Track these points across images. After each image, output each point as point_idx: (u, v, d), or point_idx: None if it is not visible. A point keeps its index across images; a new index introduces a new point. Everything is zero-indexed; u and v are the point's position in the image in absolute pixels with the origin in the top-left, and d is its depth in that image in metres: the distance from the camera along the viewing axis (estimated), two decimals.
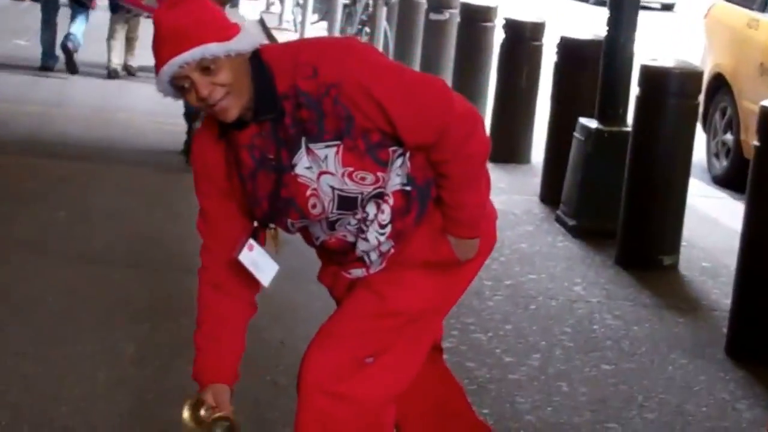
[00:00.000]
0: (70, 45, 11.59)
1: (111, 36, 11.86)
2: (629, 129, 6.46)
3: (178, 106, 9.56)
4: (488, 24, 9.70)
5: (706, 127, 8.88)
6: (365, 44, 2.92)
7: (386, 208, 2.88)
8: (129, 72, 11.99)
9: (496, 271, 5.95)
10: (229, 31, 2.70)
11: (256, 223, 2.94)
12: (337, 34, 10.98)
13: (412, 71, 2.89)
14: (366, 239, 2.90)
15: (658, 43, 15.50)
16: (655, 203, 6.16)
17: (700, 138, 8.57)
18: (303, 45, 2.86)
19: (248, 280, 2.95)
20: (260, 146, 2.82)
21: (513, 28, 8.56)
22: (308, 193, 2.82)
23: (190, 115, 7.93)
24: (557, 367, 4.78)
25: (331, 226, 2.89)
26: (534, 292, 5.73)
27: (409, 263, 2.97)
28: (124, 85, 11.65)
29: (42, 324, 4.78)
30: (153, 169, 7.91)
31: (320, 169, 2.79)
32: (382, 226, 2.89)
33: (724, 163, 8.72)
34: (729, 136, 8.62)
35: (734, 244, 5.22)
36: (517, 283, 5.84)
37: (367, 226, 2.88)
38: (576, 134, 6.86)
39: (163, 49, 2.68)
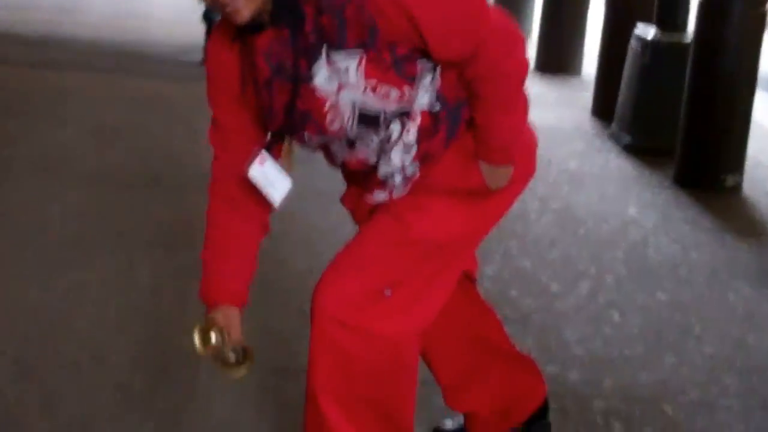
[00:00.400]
0: None
1: None
2: (690, 39, 6.50)
3: (195, 12, 9.62)
4: None
5: None
6: None
7: (412, 128, 2.85)
8: None
9: (543, 192, 6.00)
10: None
11: (270, 136, 2.91)
12: None
13: None
14: (389, 160, 2.89)
15: None
16: (717, 119, 6.23)
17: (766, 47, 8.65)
18: None
19: (261, 197, 2.96)
20: (277, 53, 2.79)
21: None
22: (326, 107, 2.80)
23: (210, 18, 7.91)
24: (608, 296, 4.81)
25: (351, 143, 2.87)
26: (584, 214, 5.77)
27: (436, 189, 2.97)
28: None
29: (49, 249, 4.81)
30: (169, 81, 7.98)
31: (340, 81, 2.77)
32: (408, 147, 2.87)
33: None
34: None
35: None
36: (565, 205, 5.88)
37: (391, 146, 2.86)
38: (631, 43, 6.91)
39: None
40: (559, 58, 8.52)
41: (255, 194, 2.94)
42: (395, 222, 2.98)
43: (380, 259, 2.97)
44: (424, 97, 2.81)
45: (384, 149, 2.86)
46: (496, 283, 4.80)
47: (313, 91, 2.78)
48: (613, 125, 7.10)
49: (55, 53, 8.54)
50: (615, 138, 7.02)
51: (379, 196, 2.99)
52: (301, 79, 2.78)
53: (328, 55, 2.73)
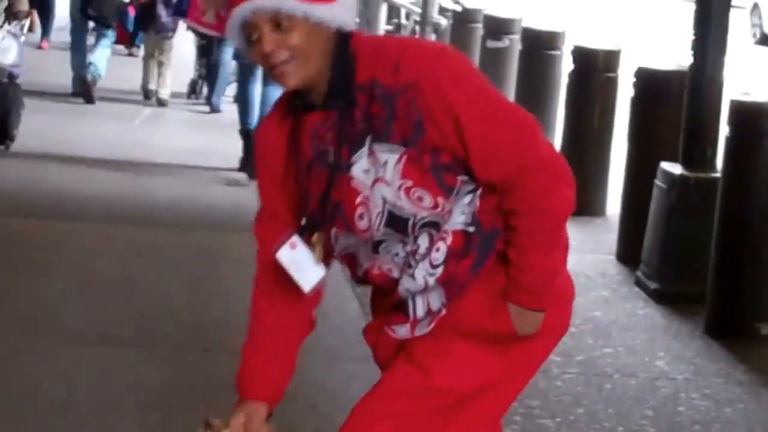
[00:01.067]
0: (89, 77, 12.19)
1: (147, 56, 12.82)
2: (719, 175, 6.49)
3: (196, 152, 9.70)
4: (554, 52, 9.81)
5: None
6: (460, 53, 2.99)
7: (442, 246, 2.93)
8: (159, 102, 12.70)
9: (566, 345, 5.70)
10: None
11: (305, 223, 3.03)
12: None
13: (503, 97, 2.97)
14: (413, 276, 2.96)
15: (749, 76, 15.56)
16: (749, 262, 6.22)
17: None
18: (395, 40, 3.02)
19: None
20: (322, 136, 2.93)
21: (583, 57, 8.68)
22: (358, 200, 2.91)
23: (247, 132, 8.16)
24: None
25: (375, 248, 2.96)
26: (610, 369, 5.74)
27: (460, 330, 3.01)
28: (137, 128, 11.86)
29: (37, 416, 4.82)
30: (168, 229, 8.02)
31: (377, 175, 2.88)
32: (434, 266, 2.94)
33: None
34: None
35: None
36: (590, 359, 5.86)
37: (417, 262, 2.94)
38: (657, 182, 6.91)
39: None
40: (581, 197, 8.21)
41: (298, 288, 3.03)
42: (415, 369, 3.02)
43: (397, 412, 3.01)
44: (459, 217, 2.91)
45: (409, 263, 2.94)
46: None
47: (348, 180, 2.90)
48: (640, 270, 7.05)
49: (41, 200, 8.59)
50: (642, 284, 6.98)
51: (401, 330, 3.04)
52: (340, 167, 2.90)
53: (371, 145, 2.87)
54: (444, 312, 2.99)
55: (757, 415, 5.31)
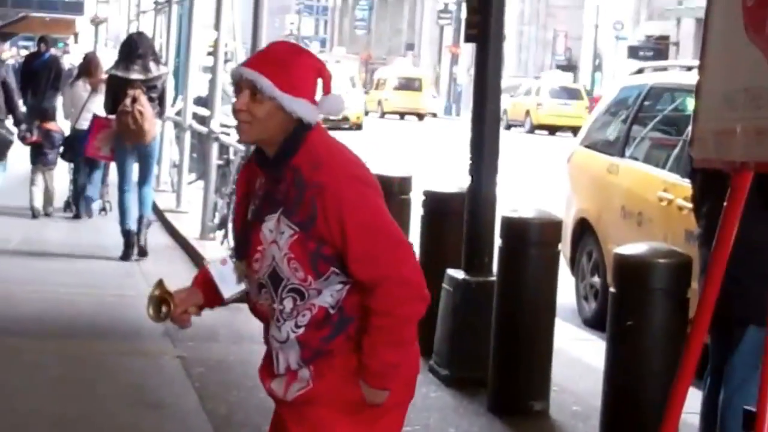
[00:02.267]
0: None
1: (32, 183, 13.41)
2: (494, 278, 6.75)
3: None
4: None
5: (575, 270, 9.44)
6: (373, 181, 3.42)
7: (308, 314, 3.36)
8: (46, 213, 13.38)
9: None
10: (297, 90, 3.29)
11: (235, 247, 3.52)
12: (212, 193, 11.76)
13: (390, 220, 3.37)
14: (279, 329, 3.38)
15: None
16: (522, 350, 6.46)
17: (570, 281, 9.09)
18: (336, 147, 3.43)
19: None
20: (261, 187, 3.42)
21: (382, 182, 8.88)
22: (259, 248, 3.37)
23: (127, 232, 9.41)
24: None
25: (258, 290, 3.41)
26: None
27: (323, 400, 3.38)
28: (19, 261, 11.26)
29: None
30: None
31: (274, 238, 3.33)
32: (297, 326, 3.37)
33: (593, 305, 9.22)
34: (596, 279, 9.16)
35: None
36: None
37: (283, 319, 3.37)
38: (444, 285, 7.12)
39: (253, 55, 3.38)
40: None
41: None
42: None
43: None
44: (328, 297, 3.36)
45: (277, 318, 3.37)
46: None
47: (259, 230, 3.37)
48: (432, 360, 7.15)
49: None
50: (434, 371, 7.08)
51: (275, 385, 3.44)
52: (258, 218, 3.38)
53: (279, 215, 3.33)
54: (311, 384, 3.37)
55: None
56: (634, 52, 46.47)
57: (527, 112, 44.44)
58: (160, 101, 11.08)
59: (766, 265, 4.63)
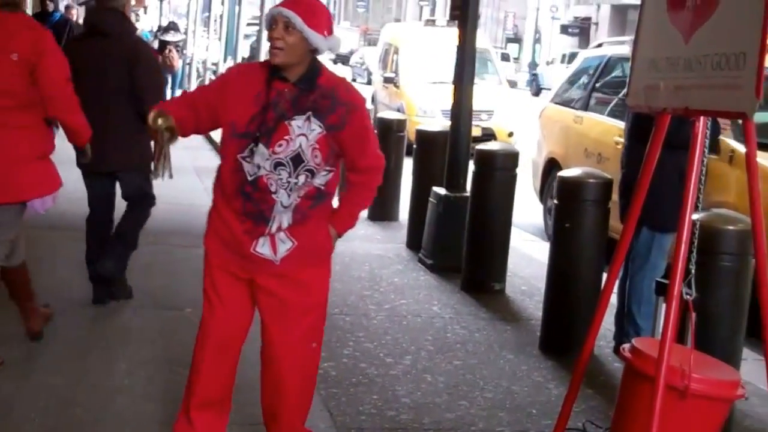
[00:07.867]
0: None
1: None
2: (468, 194, 6.65)
3: None
4: None
5: (542, 198, 9.11)
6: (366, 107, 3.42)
7: (306, 189, 3.31)
8: None
9: (378, 299, 6.09)
10: (318, 28, 3.18)
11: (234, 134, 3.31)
12: None
13: (374, 133, 3.40)
14: (288, 195, 3.28)
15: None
16: (487, 245, 6.40)
17: (539, 207, 8.83)
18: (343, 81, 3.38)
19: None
20: (283, 96, 3.26)
21: (383, 123, 8.78)
22: (286, 136, 3.24)
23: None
24: (423, 364, 4.91)
25: (275, 166, 3.26)
26: (405, 312, 5.85)
27: (305, 252, 3.35)
28: None
29: None
30: None
31: (303, 131, 3.24)
32: (299, 196, 3.30)
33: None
34: None
35: (544, 273, 5.43)
36: (393, 307, 5.96)
37: (293, 190, 3.29)
38: (431, 199, 7.04)
39: None
40: (383, 210, 8.45)
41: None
42: (291, 303, 3.39)
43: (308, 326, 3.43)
44: (321, 179, 3.31)
45: (290, 188, 3.27)
46: (351, 358, 4.85)
47: (287, 125, 3.22)
48: (421, 253, 7.09)
49: None
50: (423, 261, 7.02)
51: (264, 250, 3.34)
52: (285, 117, 3.24)
53: (310, 116, 3.23)
54: (295, 243, 3.31)
55: (494, 337, 5.49)
56: (564, 29, 45.90)
57: None
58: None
59: (660, 185, 4.48)
